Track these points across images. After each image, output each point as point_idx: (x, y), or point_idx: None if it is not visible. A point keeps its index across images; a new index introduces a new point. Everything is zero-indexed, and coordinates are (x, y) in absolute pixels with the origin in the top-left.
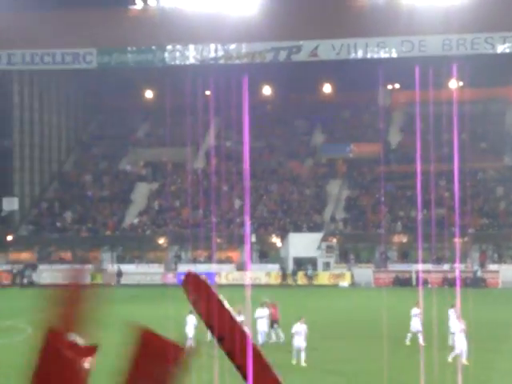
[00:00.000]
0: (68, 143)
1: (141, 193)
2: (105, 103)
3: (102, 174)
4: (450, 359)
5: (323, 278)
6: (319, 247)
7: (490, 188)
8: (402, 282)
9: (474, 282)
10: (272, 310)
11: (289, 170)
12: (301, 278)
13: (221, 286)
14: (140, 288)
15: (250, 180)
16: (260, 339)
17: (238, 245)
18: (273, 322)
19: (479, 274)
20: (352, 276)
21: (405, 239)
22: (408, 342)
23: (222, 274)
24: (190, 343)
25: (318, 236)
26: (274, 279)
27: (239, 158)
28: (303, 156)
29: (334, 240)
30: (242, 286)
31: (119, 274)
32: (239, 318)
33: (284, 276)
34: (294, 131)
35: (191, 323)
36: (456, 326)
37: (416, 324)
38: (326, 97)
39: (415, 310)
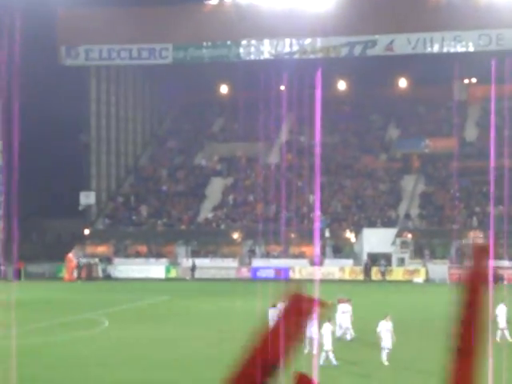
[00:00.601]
0: (144, 138)
1: (215, 187)
2: (180, 98)
3: (176, 169)
4: None
5: (397, 273)
6: (394, 243)
7: None
8: None
9: None
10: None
11: (363, 164)
12: (375, 274)
13: (295, 281)
14: (214, 282)
15: (324, 175)
16: (339, 334)
17: (312, 240)
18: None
19: None
20: (427, 272)
21: (481, 235)
22: (498, 339)
23: (295, 268)
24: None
25: (392, 231)
26: (348, 274)
27: (313, 152)
28: (378, 151)
29: (409, 235)
30: (315, 281)
31: (193, 268)
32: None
33: (366, 271)
34: (368, 126)
35: (274, 316)
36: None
37: (501, 321)
38: (401, 91)
39: (502, 307)
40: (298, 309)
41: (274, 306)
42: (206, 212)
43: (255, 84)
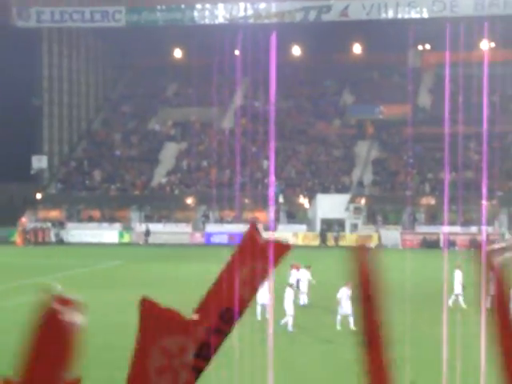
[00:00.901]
0: (97, 102)
1: (169, 152)
2: (133, 62)
3: (130, 133)
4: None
5: (351, 239)
6: (347, 209)
7: None
8: (430, 243)
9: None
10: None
11: (317, 130)
12: (329, 239)
13: None
14: (168, 247)
15: (278, 140)
16: (302, 301)
17: (266, 205)
18: (298, 284)
19: (507, 236)
20: (379, 237)
21: (433, 201)
22: (451, 304)
23: None
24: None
25: (345, 197)
26: (302, 240)
27: (267, 118)
28: (332, 117)
29: (362, 201)
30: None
31: (147, 233)
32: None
33: (322, 237)
34: (323, 92)
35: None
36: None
37: (457, 287)
38: (356, 57)
39: (458, 273)
40: (253, 251)
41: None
42: (159, 177)
43: (209, 48)
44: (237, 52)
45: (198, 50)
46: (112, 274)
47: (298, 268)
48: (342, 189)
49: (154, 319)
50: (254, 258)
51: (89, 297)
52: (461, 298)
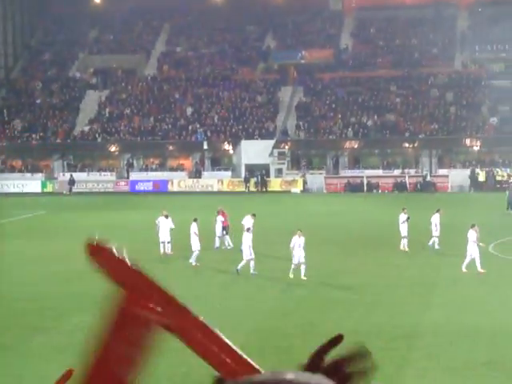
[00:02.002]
0: (15, 50)
1: (91, 100)
2: (52, 8)
3: (51, 81)
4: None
5: (275, 184)
6: (271, 154)
7: (440, 93)
8: (354, 187)
9: (424, 187)
10: (222, 217)
11: (240, 76)
12: (253, 185)
13: (173, 194)
14: (92, 196)
15: (201, 87)
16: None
17: (190, 152)
18: (223, 228)
19: (429, 178)
20: (304, 182)
21: (356, 145)
22: (403, 248)
23: (174, 181)
24: (166, 246)
25: (270, 143)
26: (227, 186)
27: (190, 64)
28: (255, 62)
29: (286, 147)
30: (194, 194)
31: (71, 182)
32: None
33: (246, 182)
34: (245, 37)
35: (166, 226)
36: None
37: (404, 230)
38: (278, 2)
39: (403, 216)
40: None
41: (167, 216)
42: (81, 125)
43: None
44: None
45: None
46: (36, 223)
47: (223, 213)
48: (266, 134)
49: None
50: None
51: (14, 247)
52: (405, 241)
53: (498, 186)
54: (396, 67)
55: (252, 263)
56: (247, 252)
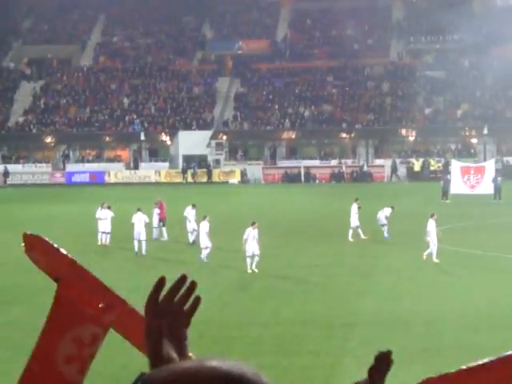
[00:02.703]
0: None
1: (25, 91)
2: None
3: None
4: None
5: (214, 175)
6: (209, 145)
7: (376, 84)
8: (291, 178)
9: (361, 177)
10: (159, 209)
11: (177, 66)
12: (191, 176)
13: (111, 185)
14: (28, 188)
15: (138, 77)
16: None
17: (127, 143)
18: (160, 220)
19: (365, 168)
20: (243, 173)
21: (293, 136)
22: (351, 239)
23: (111, 172)
24: (105, 237)
25: (207, 133)
26: (164, 177)
27: (126, 54)
28: (191, 53)
29: (224, 137)
30: (131, 185)
31: (6, 174)
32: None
33: (184, 173)
34: (182, 27)
35: (108, 218)
36: (354, 220)
37: (355, 220)
38: None
39: (354, 207)
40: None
41: (109, 208)
42: (16, 116)
43: None
44: None
45: None
46: None
47: (161, 205)
48: (203, 125)
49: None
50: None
51: None
52: (360, 230)
53: (433, 175)
54: (332, 58)
55: (207, 252)
56: (205, 240)
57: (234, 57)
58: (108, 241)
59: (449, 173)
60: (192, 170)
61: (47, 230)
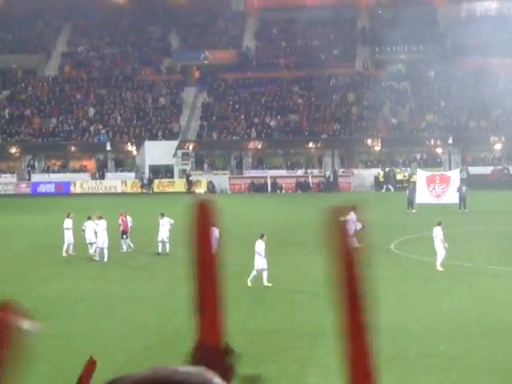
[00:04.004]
0: None
1: None
2: None
3: None
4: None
5: (180, 185)
6: (175, 155)
7: (342, 94)
8: (258, 187)
9: (327, 187)
10: (122, 220)
11: (143, 76)
12: (157, 186)
13: (76, 195)
14: None
15: (104, 87)
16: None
17: (93, 153)
18: (123, 232)
19: (332, 178)
20: (209, 183)
21: (260, 145)
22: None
23: (76, 183)
24: (96, 248)
25: (173, 143)
26: (130, 187)
27: (92, 64)
28: (157, 63)
29: (190, 147)
30: (97, 195)
31: None
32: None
33: (149, 184)
34: (147, 37)
35: (92, 228)
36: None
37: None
38: (180, 2)
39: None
40: None
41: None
42: None
43: None
44: None
45: None
46: None
47: (123, 217)
48: (169, 135)
49: None
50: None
51: None
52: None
53: (399, 185)
54: (298, 68)
55: (265, 274)
56: (260, 261)
57: (200, 67)
58: (72, 250)
59: (414, 182)
60: (141, 182)
61: (12, 241)
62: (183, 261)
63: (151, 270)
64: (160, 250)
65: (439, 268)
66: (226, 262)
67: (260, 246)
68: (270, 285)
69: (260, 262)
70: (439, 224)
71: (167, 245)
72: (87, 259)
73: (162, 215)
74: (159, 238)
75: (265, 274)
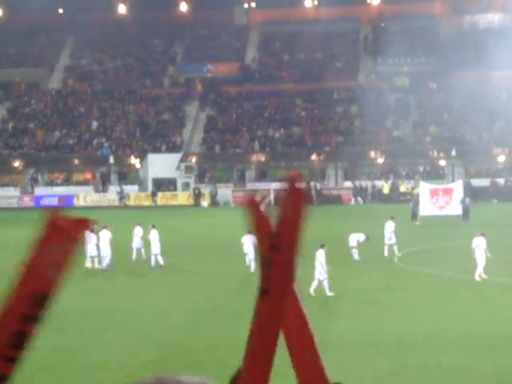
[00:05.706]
0: None
1: None
2: None
3: None
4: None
5: (183, 198)
6: (178, 168)
7: (345, 106)
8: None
9: (331, 199)
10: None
11: (146, 90)
12: (160, 199)
13: (79, 208)
14: None
15: (107, 101)
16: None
17: (96, 166)
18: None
19: (335, 191)
20: (212, 196)
21: (263, 158)
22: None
23: (80, 195)
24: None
25: (176, 156)
26: (133, 201)
27: (95, 77)
28: (160, 76)
29: (193, 160)
30: (100, 208)
31: None
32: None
33: (153, 196)
34: (150, 51)
35: (106, 239)
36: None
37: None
38: (183, 16)
39: (390, 225)
40: (60, 234)
41: (105, 227)
42: None
43: (32, 6)
44: (61, 10)
45: (20, 7)
46: None
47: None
48: (172, 148)
49: None
50: (63, 243)
51: None
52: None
53: (403, 198)
54: (301, 81)
55: (326, 284)
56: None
57: (204, 80)
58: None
59: (417, 194)
60: (120, 194)
61: (15, 254)
62: (182, 273)
63: (153, 281)
64: (153, 263)
65: (477, 279)
66: (227, 275)
67: (321, 255)
68: (332, 294)
69: (321, 272)
70: (482, 234)
71: (159, 257)
72: (89, 272)
73: (153, 226)
74: (152, 252)
75: (326, 284)
